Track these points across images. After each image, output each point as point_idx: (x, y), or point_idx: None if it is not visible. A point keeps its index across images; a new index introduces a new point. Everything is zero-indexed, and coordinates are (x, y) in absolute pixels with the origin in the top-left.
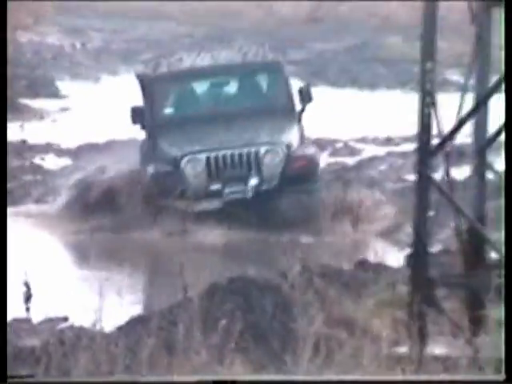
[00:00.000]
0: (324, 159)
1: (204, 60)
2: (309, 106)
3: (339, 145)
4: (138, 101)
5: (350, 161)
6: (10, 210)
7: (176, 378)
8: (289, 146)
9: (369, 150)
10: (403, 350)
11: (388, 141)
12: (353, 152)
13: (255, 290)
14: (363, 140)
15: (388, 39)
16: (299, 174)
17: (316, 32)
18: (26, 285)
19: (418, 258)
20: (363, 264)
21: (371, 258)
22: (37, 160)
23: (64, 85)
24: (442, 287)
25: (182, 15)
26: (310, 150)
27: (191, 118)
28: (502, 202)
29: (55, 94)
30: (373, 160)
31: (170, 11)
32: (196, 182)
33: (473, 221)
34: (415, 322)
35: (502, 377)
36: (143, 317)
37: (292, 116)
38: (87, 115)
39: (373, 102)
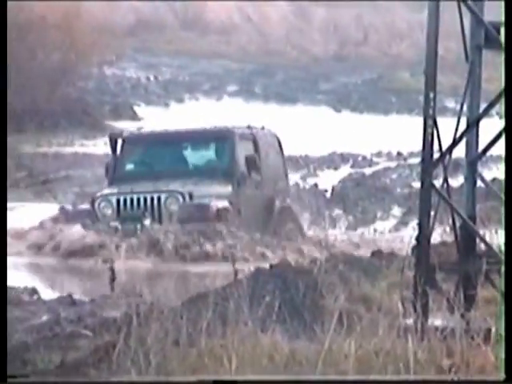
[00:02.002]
0: (346, 170)
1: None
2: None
3: (359, 158)
4: (198, 124)
5: (368, 171)
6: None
7: (176, 378)
8: (191, 195)
9: (383, 163)
10: (410, 321)
11: (398, 155)
12: (370, 164)
13: (291, 274)
14: (378, 154)
15: (398, 74)
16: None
17: (341, 68)
18: (111, 269)
19: (422, 248)
20: (378, 253)
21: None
22: None
23: (140, 109)
24: (441, 272)
25: (234, 54)
26: (219, 204)
27: (141, 173)
28: (490, 204)
29: (133, 117)
30: (386, 170)
31: (225, 50)
32: (105, 220)
33: (465, 219)
34: (419, 299)
35: (501, 377)
36: (202, 294)
37: (230, 179)
38: None
39: (386, 125)
